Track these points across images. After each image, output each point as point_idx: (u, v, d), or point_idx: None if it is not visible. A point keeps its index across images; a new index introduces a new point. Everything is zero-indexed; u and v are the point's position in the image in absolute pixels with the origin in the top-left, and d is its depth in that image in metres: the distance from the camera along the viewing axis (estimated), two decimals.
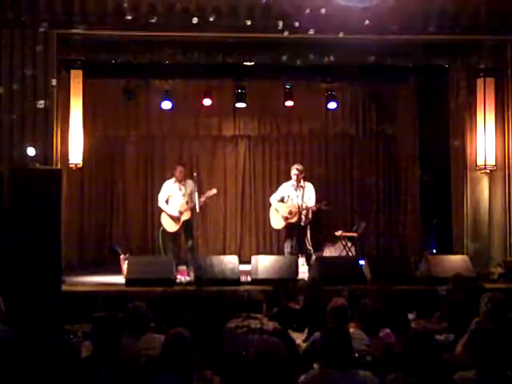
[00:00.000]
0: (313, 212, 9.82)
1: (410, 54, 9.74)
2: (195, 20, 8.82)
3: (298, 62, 9.85)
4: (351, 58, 9.75)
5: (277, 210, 9.91)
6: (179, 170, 10.00)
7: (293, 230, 9.72)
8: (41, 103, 8.61)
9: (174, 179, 10.01)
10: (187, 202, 9.80)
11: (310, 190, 9.82)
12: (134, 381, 4.01)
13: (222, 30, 8.99)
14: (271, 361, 3.49)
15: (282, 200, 9.93)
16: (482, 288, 6.31)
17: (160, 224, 10.13)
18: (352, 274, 8.70)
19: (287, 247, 9.78)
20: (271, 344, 3.63)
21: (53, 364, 3.67)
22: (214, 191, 10.09)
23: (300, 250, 9.65)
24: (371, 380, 3.84)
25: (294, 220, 9.65)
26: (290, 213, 9.67)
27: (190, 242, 9.89)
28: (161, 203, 9.99)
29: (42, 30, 8.73)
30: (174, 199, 9.91)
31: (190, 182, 9.94)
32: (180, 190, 9.89)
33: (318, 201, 9.89)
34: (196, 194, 9.66)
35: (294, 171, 9.80)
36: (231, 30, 8.99)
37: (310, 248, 9.77)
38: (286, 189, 9.92)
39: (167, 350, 3.95)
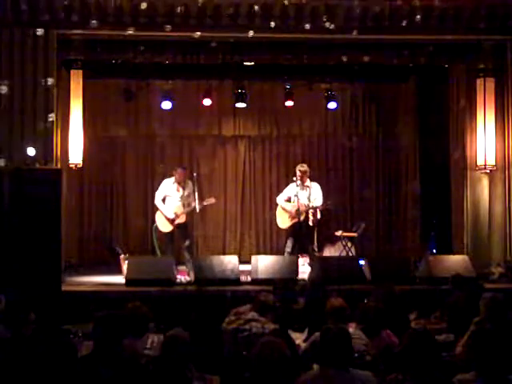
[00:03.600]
0: (320, 212, 9.83)
1: (410, 53, 9.73)
2: (196, 20, 8.84)
3: (298, 62, 9.85)
4: (351, 58, 9.75)
5: (284, 209, 9.95)
6: (180, 172, 9.92)
7: (297, 229, 9.72)
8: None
9: (173, 179, 9.96)
10: (184, 205, 9.75)
11: (316, 189, 9.87)
12: (134, 381, 4.02)
13: (222, 30, 8.99)
14: (274, 361, 3.49)
15: (288, 200, 9.98)
16: (482, 288, 6.30)
17: (154, 221, 10.12)
18: (352, 273, 8.70)
19: (288, 246, 9.78)
20: (274, 344, 3.62)
21: (52, 364, 3.68)
22: (213, 200, 10.06)
23: (304, 249, 9.65)
24: (371, 380, 3.84)
25: (299, 220, 9.64)
26: (296, 212, 9.68)
27: (187, 242, 9.85)
28: (157, 201, 9.94)
29: (41, 29, 8.74)
30: (171, 199, 9.86)
31: (189, 184, 9.91)
32: (178, 191, 9.83)
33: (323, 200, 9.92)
34: (196, 194, 9.64)
35: (297, 172, 9.84)
36: (231, 30, 8.99)
37: (316, 248, 9.78)
38: (293, 189, 9.92)
39: (166, 350, 3.95)
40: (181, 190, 9.83)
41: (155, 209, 10.10)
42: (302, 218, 9.64)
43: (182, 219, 9.77)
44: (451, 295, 6.04)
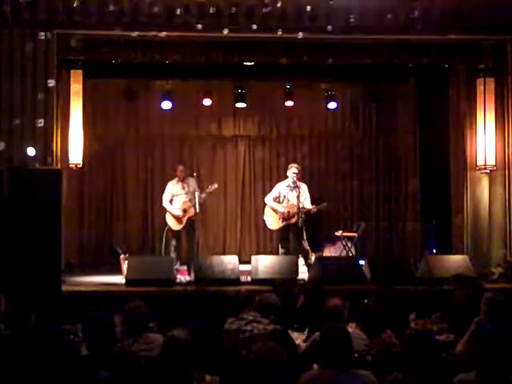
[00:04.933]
0: (309, 213, 9.72)
1: (411, 54, 9.74)
2: (195, 20, 8.84)
3: (298, 62, 9.85)
4: (351, 58, 9.75)
5: (273, 210, 9.74)
6: (179, 169, 10.04)
7: (289, 230, 9.62)
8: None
9: (176, 179, 10.03)
10: (190, 200, 9.76)
11: (305, 190, 9.71)
12: (133, 381, 4.02)
13: (222, 30, 8.99)
14: (270, 367, 3.46)
15: (276, 200, 9.79)
16: (483, 288, 6.30)
17: (165, 224, 10.12)
18: (352, 274, 8.70)
19: (282, 248, 9.69)
20: (270, 349, 3.60)
21: (52, 364, 3.68)
22: (216, 186, 10.06)
23: (297, 250, 9.56)
24: (371, 380, 3.84)
25: (292, 221, 9.55)
26: (288, 213, 9.58)
27: (191, 242, 9.88)
28: (165, 203, 9.99)
29: (41, 29, 8.74)
30: (177, 199, 9.92)
31: (191, 180, 9.94)
32: (183, 188, 9.88)
33: (313, 201, 9.82)
34: (197, 193, 9.64)
35: (293, 170, 9.62)
36: (231, 30, 9.00)
37: (308, 248, 9.71)
38: (282, 189, 9.76)
39: (167, 351, 3.95)
40: (185, 186, 9.86)
41: (163, 211, 10.10)
42: (293, 220, 9.51)
43: (191, 212, 9.74)
44: (452, 295, 6.06)
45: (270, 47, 9.60)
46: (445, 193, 10.42)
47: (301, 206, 9.43)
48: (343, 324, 4.82)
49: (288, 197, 9.65)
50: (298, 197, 9.43)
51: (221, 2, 8.84)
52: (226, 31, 8.87)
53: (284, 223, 9.61)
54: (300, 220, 9.45)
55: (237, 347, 5.02)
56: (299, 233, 9.55)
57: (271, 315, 5.35)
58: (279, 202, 9.72)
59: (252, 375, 3.50)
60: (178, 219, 9.86)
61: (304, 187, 9.73)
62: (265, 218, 9.93)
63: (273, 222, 9.79)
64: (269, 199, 9.86)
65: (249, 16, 8.92)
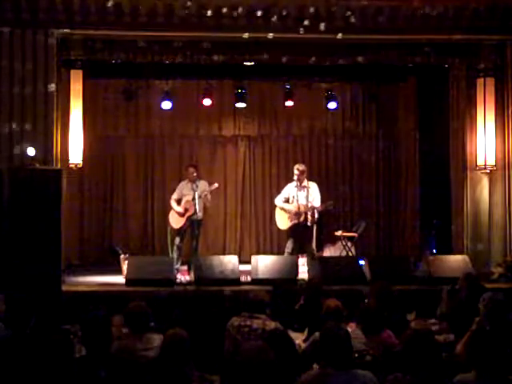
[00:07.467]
0: (319, 212, 9.76)
1: (410, 53, 9.74)
2: (195, 20, 8.84)
3: (298, 62, 9.85)
4: (351, 58, 9.75)
5: (283, 210, 9.77)
6: (189, 170, 10.02)
7: (297, 230, 9.63)
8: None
9: (187, 179, 10.03)
10: (193, 199, 9.76)
11: (314, 189, 9.73)
12: (133, 381, 4.02)
13: (222, 30, 8.99)
14: (256, 369, 3.43)
15: (286, 201, 9.81)
16: (483, 288, 6.30)
17: (167, 224, 10.17)
18: (352, 274, 8.71)
19: (288, 247, 9.71)
20: (257, 351, 3.56)
21: (52, 363, 3.68)
22: (216, 185, 10.07)
23: (303, 250, 9.58)
24: (371, 380, 3.84)
25: (299, 220, 9.56)
26: (296, 213, 9.60)
27: (194, 243, 9.89)
28: (171, 201, 10.00)
29: (41, 29, 8.75)
30: (185, 198, 9.93)
31: (203, 183, 9.95)
32: (193, 189, 9.85)
33: (322, 201, 9.84)
34: (208, 195, 9.73)
35: (294, 171, 9.71)
36: (231, 30, 8.99)
37: (314, 248, 9.72)
38: (290, 189, 9.80)
39: (165, 350, 3.95)
40: (195, 187, 9.82)
41: (164, 211, 10.12)
42: (301, 219, 9.56)
43: (190, 212, 9.76)
44: (458, 294, 6.06)
45: (270, 47, 9.59)
46: (445, 193, 10.41)
47: (309, 205, 9.47)
48: (343, 324, 4.82)
49: (297, 197, 9.68)
50: (307, 196, 9.47)
51: (221, 2, 8.84)
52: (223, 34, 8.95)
53: (293, 222, 9.64)
54: (309, 220, 9.49)
55: (235, 343, 5.02)
56: (309, 232, 9.58)
57: (266, 311, 5.36)
58: (288, 203, 9.77)
59: (240, 376, 3.49)
60: (179, 217, 9.85)
61: (313, 186, 9.77)
62: (276, 218, 9.97)
63: (283, 221, 9.82)
64: (278, 201, 9.90)
65: (249, 16, 8.92)
